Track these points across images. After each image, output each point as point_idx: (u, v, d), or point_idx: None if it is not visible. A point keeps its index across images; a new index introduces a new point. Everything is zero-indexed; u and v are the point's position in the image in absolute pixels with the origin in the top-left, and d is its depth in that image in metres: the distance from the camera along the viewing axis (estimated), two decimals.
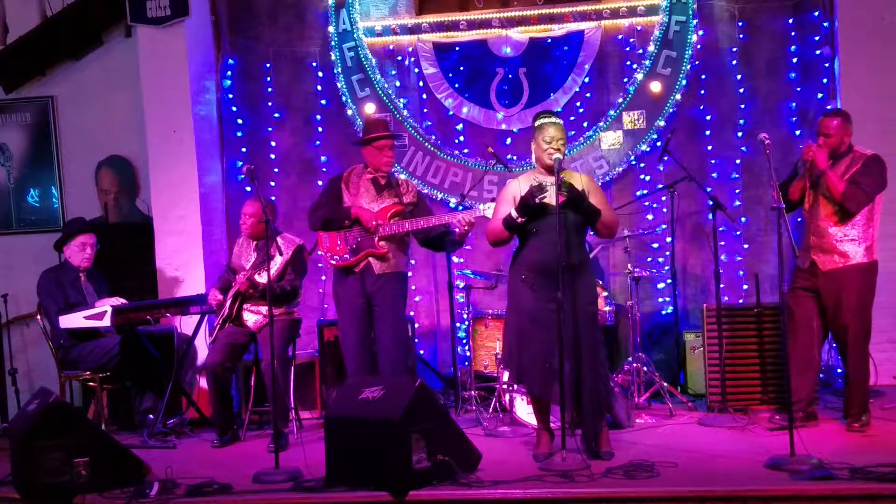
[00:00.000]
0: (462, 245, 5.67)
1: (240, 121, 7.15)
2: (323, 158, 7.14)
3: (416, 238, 5.51)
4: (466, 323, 6.37)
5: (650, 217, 6.81)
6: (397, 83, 7.10)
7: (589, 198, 4.73)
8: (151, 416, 5.95)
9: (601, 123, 6.86)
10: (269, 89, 7.16)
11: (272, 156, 7.16)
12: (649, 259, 6.81)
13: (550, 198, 4.62)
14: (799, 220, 5.91)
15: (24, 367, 7.12)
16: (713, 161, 6.77)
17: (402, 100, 7.06)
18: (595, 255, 6.34)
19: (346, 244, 5.40)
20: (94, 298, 5.98)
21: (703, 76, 6.77)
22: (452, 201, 6.88)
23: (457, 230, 5.28)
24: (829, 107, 6.45)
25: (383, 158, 5.43)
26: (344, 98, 7.07)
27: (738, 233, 6.72)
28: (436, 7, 7.15)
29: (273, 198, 6.83)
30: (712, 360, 5.71)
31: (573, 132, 6.78)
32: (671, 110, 6.76)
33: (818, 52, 6.60)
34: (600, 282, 5.87)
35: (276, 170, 7.15)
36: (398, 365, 5.40)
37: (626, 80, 6.84)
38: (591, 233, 5.00)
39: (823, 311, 5.18)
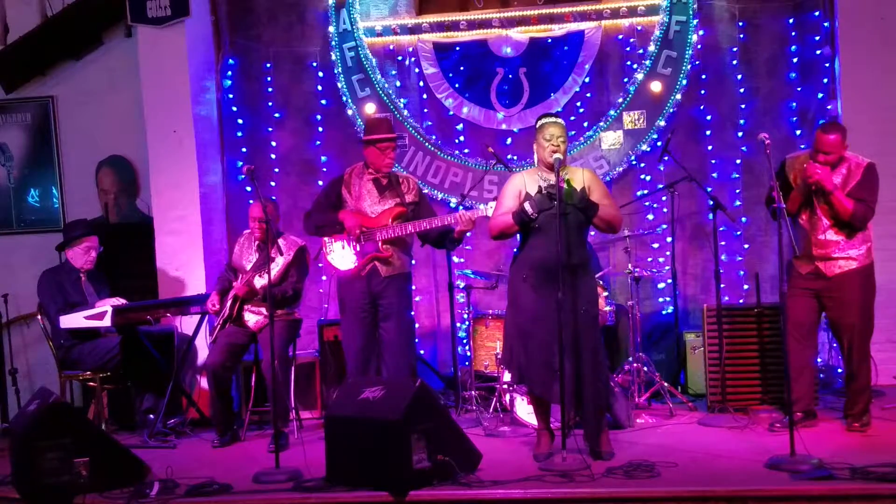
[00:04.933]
0: (461, 243, 5.66)
1: (240, 121, 7.15)
2: (323, 158, 7.14)
3: (416, 235, 5.51)
4: (467, 323, 6.37)
5: (650, 217, 6.80)
6: (397, 83, 7.10)
7: (591, 194, 4.73)
8: (151, 416, 5.95)
9: (601, 123, 6.85)
10: (270, 89, 7.16)
11: (272, 156, 7.16)
12: (649, 259, 6.80)
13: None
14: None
15: (24, 367, 7.12)
16: (713, 161, 6.77)
17: (402, 100, 7.06)
18: (596, 260, 6.34)
19: (351, 250, 5.40)
20: (94, 299, 5.98)
21: (704, 76, 6.76)
22: (453, 201, 6.88)
23: (457, 228, 5.28)
24: (829, 106, 6.46)
25: (385, 160, 5.43)
26: (344, 98, 7.07)
27: (739, 233, 6.72)
28: (436, 7, 7.15)
29: (273, 198, 6.84)
30: (712, 360, 5.71)
31: (573, 132, 6.78)
32: (671, 110, 6.76)
33: (818, 52, 6.60)
34: (601, 282, 5.86)
35: (276, 170, 7.15)
36: (403, 365, 5.40)
37: (626, 80, 6.84)
38: (593, 232, 5.01)
39: (821, 311, 5.18)
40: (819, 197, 5.07)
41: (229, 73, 7.12)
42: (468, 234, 5.39)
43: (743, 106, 6.74)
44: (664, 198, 6.61)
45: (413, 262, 5.72)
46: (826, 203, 5.05)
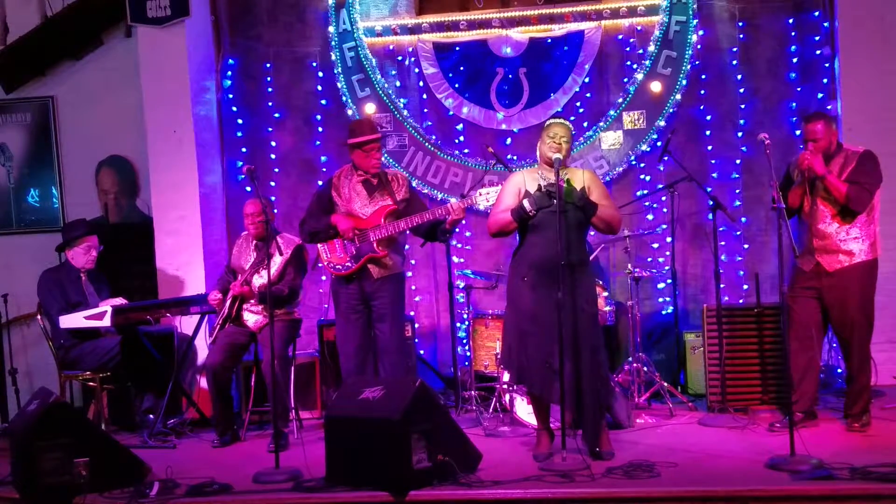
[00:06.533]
0: (452, 234, 5.62)
1: (240, 121, 7.15)
2: (323, 158, 7.14)
3: (409, 229, 5.48)
4: (466, 323, 6.37)
5: (650, 217, 6.81)
6: (397, 83, 7.10)
7: (590, 194, 4.73)
8: (151, 416, 5.96)
9: (601, 123, 6.86)
10: (270, 89, 7.16)
11: (272, 156, 7.16)
12: (649, 259, 6.81)
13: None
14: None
15: (24, 367, 7.12)
16: (713, 161, 6.77)
17: (402, 100, 7.07)
18: (595, 256, 6.32)
19: (346, 252, 5.39)
20: (94, 298, 5.98)
21: (704, 76, 6.77)
22: (453, 201, 6.86)
23: (449, 218, 5.25)
24: (829, 106, 6.46)
25: (371, 161, 5.40)
26: (344, 98, 7.07)
27: (738, 233, 6.72)
28: (436, 7, 7.16)
29: (273, 198, 6.84)
30: (712, 360, 5.71)
31: (573, 132, 6.76)
32: (671, 110, 6.76)
33: (818, 52, 6.60)
34: (600, 281, 5.86)
35: (276, 170, 7.15)
36: (398, 365, 5.39)
37: (626, 80, 6.84)
38: (592, 232, 5.00)
39: (824, 312, 5.18)
40: (817, 186, 5.08)
41: (229, 73, 7.12)
42: (459, 222, 5.35)
43: (743, 106, 6.74)
44: (664, 198, 6.61)
45: (413, 261, 5.71)
46: (824, 191, 5.06)
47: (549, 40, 6.93)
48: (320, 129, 7.15)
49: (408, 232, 5.46)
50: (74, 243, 6.04)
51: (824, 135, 5.07)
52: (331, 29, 7.07)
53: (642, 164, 6.86)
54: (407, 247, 5.91)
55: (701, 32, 6.73)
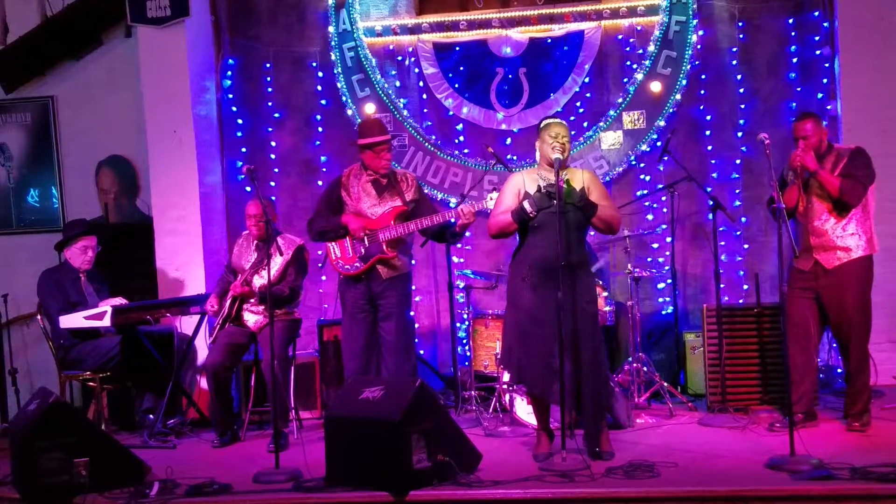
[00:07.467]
0: (462, 237, 5.64)
1: (240, 121, 7.15)
2: (323, 158, 7.14)
3: (417, 231, 5.49)
4: (466, 323, 6.37)
5: (650, 217, 6.80)
6: (397, 83, 7.10)
7: (590, 194, 4.73)
8: (151, 416, 5.95)
9: (601, 123, 6.86)
10: (269, 89, 7.16)
11: (272, 156, 7.16)
12: (649, 259, 6.80)
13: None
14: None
15: (24, 367, 7.11)
16: (713, 161, 6.77)
17: (402, 100, 7.07)
18: (599, 268, 6.33)
19: (356, 252, 5.39)
20: (94, 299, 5.98)
21: (704, 76, 6.77)
22: (453, 201, 6.87)
23: (459, 222, 5.26)
24: (828, 106, 6.47)
25: (381, 162, 5.41)
26: (344, 98, 7.07)
27: (738, 233, 6.72)
28: (436, 7, 7.15)
29: (273, 198, 6.84)
30: (712, 360, 5.71)
31: (573, 132, 6.77)
32: (671, 110, 6.76)
33: (818, 52, 6.60)
34: (600, 281, 5.86)
35: (276, 170, 7.15)
36: (404, 366, 5.40)
37: (626, 80, 6.84)
38: (592, 233, 5.00)
39: (822, 312, 5.19)
40: (811, 184, 5.09)
41: (229, 73, 7.13)
42: (469, 225, 5.36)
43: (743, 106, 6.74)
44: (664, 198, 6.61)
45: (413, 262, 5.71)
46: (819, 188, 5.07)
47: (549, 40, 6.93)
48: (320, 129, 7.16)
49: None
50: (71, 242, 6.05)
51: (814, 132, 5.09)
52: (331, 29, 7.07)
53: (642, 164, 6.86)
54: None
55: (701, 32, 6.73)
